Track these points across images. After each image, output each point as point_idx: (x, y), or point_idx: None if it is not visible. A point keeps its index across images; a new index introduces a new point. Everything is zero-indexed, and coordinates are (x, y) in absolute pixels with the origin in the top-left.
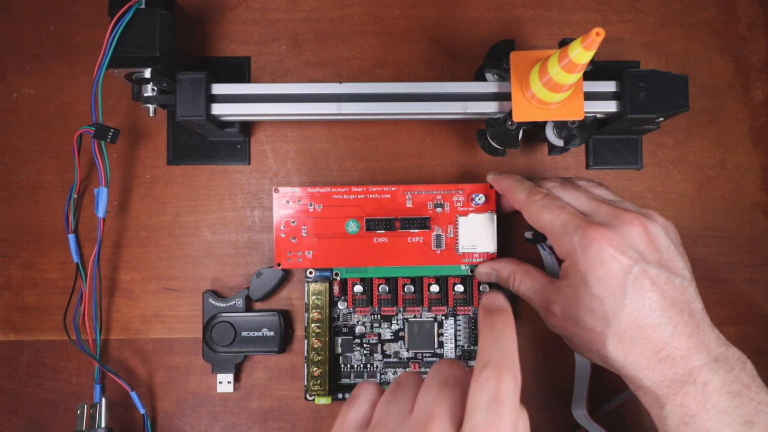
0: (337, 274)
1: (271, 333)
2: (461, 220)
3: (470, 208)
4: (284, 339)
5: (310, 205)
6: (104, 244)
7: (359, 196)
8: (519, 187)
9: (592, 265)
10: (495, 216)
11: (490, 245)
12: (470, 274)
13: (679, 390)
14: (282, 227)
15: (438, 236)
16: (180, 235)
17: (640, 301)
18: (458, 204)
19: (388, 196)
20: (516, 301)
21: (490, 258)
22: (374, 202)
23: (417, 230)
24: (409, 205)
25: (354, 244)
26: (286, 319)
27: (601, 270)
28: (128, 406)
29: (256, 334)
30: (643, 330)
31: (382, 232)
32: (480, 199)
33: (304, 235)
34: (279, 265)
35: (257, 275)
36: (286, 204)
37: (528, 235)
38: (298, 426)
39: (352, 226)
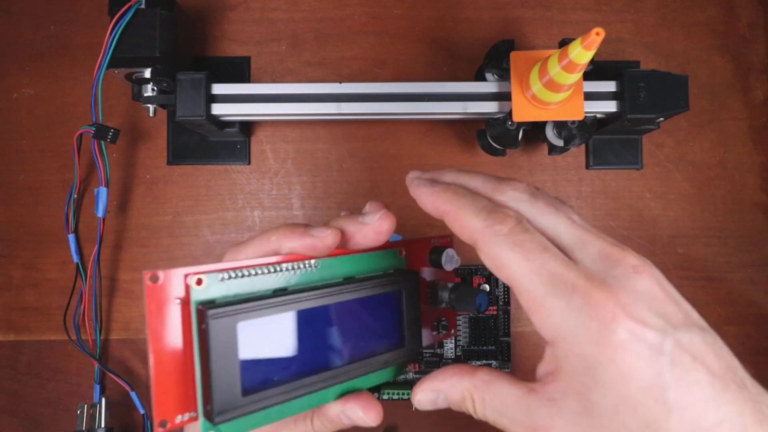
0: None
1: None
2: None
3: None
4: None
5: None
6: (104, 244)
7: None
8: (470, 208)
9: (609, 355)
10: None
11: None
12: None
13: None
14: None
15: None
16: (180, 235)
17: (687, 393)
18: None
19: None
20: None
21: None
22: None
23: None
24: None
25: None
26: None
27: (622, 360)
28: (128, 406)
29: None
30: None
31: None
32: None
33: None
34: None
35: None
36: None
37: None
38: None
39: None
